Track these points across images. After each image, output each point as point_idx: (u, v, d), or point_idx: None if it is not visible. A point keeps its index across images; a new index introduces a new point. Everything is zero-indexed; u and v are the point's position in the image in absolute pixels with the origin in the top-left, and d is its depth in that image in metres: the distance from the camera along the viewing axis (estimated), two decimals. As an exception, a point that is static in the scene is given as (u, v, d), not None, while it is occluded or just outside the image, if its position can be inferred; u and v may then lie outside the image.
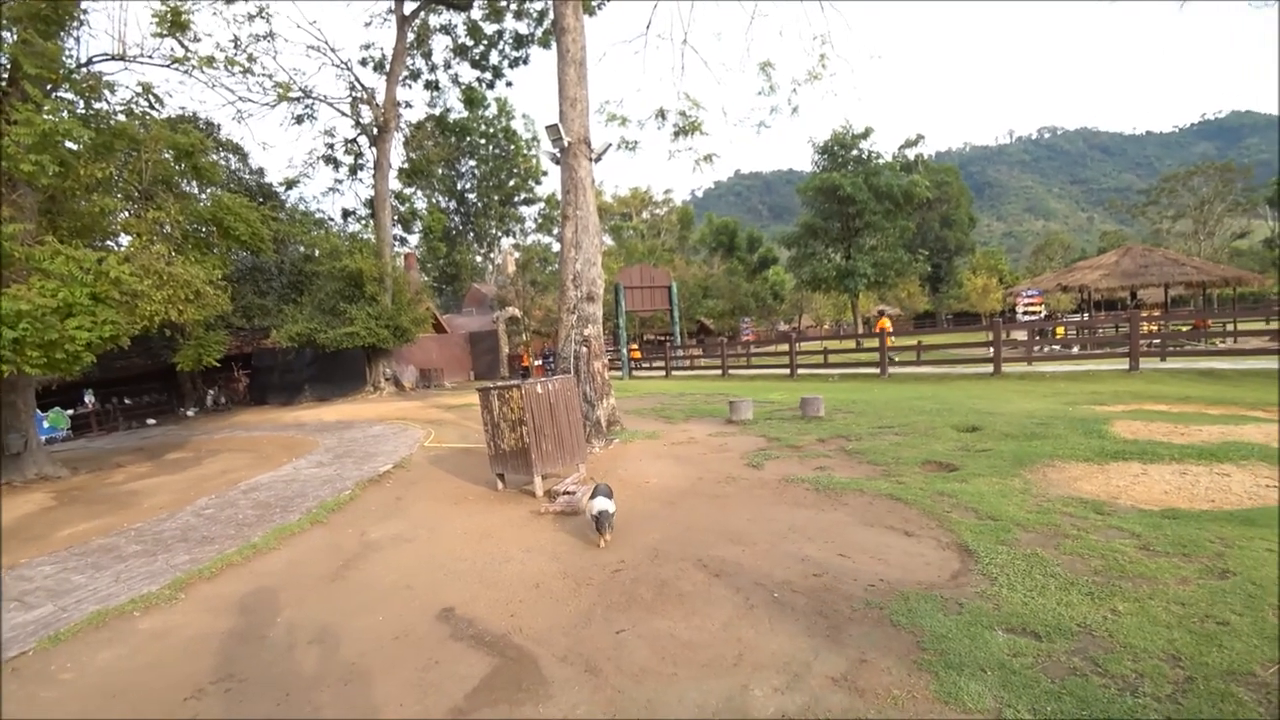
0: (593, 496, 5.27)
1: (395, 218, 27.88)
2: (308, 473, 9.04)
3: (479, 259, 43.49)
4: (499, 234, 42.89)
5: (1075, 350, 18.18)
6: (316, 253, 22.66)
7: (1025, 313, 22.80)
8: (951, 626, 3.38)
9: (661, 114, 12.45)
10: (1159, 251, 22.74)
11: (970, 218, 57.57)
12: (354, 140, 23.97)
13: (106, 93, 11.32)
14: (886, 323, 22.15)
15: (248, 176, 24.94)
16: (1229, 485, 5.27)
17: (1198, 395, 9.81)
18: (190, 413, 21.97)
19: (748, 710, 2.86)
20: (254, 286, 23.06)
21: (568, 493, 6.34)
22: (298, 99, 21.16)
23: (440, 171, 35.69)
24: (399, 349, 22.47)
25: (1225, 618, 3.21)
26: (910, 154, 40.30)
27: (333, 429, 13.47)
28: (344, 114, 22.20)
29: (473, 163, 40.35)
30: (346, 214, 28.80)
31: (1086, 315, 26.45)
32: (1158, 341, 15.68)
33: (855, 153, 37.11)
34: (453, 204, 41.88)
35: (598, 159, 9.90)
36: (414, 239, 37.74)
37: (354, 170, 25.21)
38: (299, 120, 22.41)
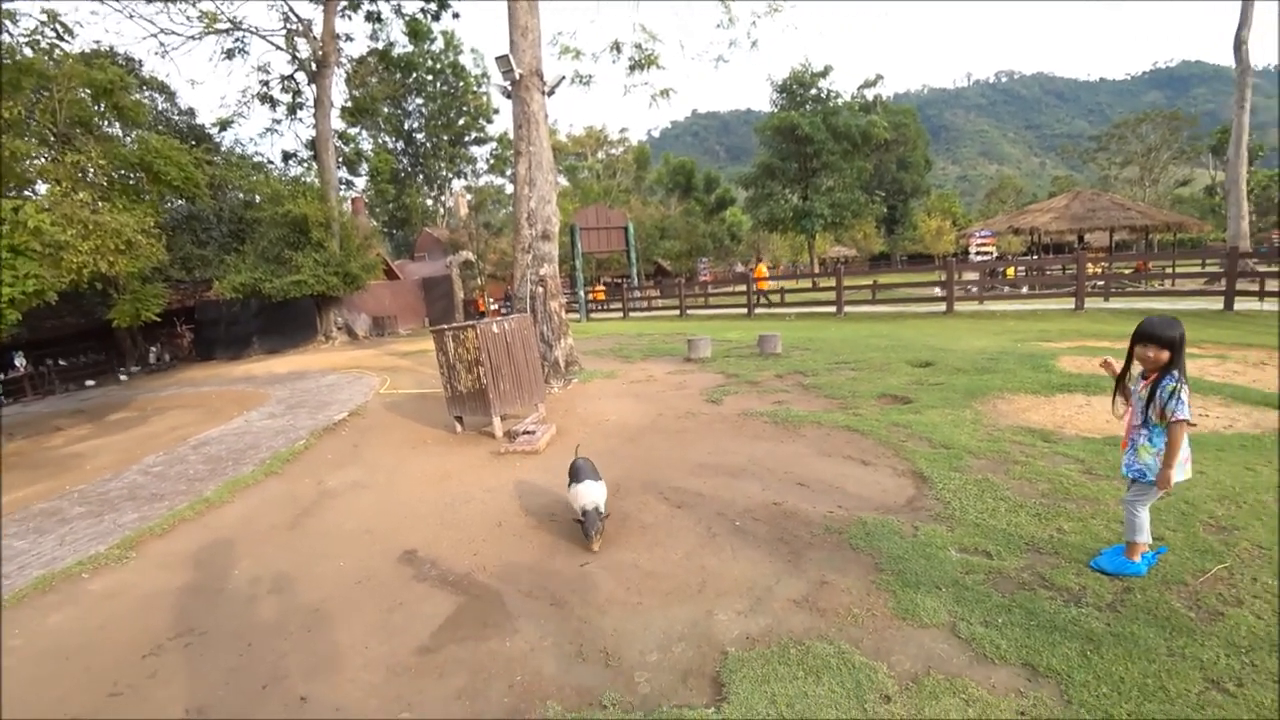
0: (575, 479, 4.02)
1: (339, 159, 26.51)
2: (260, 425, 8.79)
3: (430, 202, 42.00)
4: (450, 175, 41.36)
5: (1025, 290, 18.68)
6: (257, 198, 21.55)
7: (978, 254, 23.29)
8: (908, 548, 3.50)
9: (616, 46, 11.97)
10: (1106, 196, 23.32)
11: (926, 160, 57.89)
12: (291, 77, 22.55)
13: (8, 24, 10.34)
14: (762, 269, 22.77)
15: (177, 117, 23.35)
16: (1165, 414, 5.52)
17: (1138, 331, 10.18)
18: (126, 373, 20.96)
19: (713, 634, 2.92)
20: (192, 236, 21.87)
21: (527, 432, 6.32)
22: (226, 31, 19.72)
23: (386, 110, 33.95)
24: (350, 297, 21.81)
25: (1161, 534, 3.40)
26: (869, 94, 39.95)
27: (284, 380, 13.08)
28: (279, 48, 20.80)
29: (420, 101, 38.50)
30: (287, 156, 27.37)
31: (1036, 257, 27.13)
32: (1102, 283, 16.26)
33: (814, 92, 36.58)
34: (400, 145, 40.07)
35: (551, 92, 9.53)
36: (360, 182, 36.14)
37: (293, 110, 23.81)
38: (229, 55, 20.92)
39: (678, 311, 21.98)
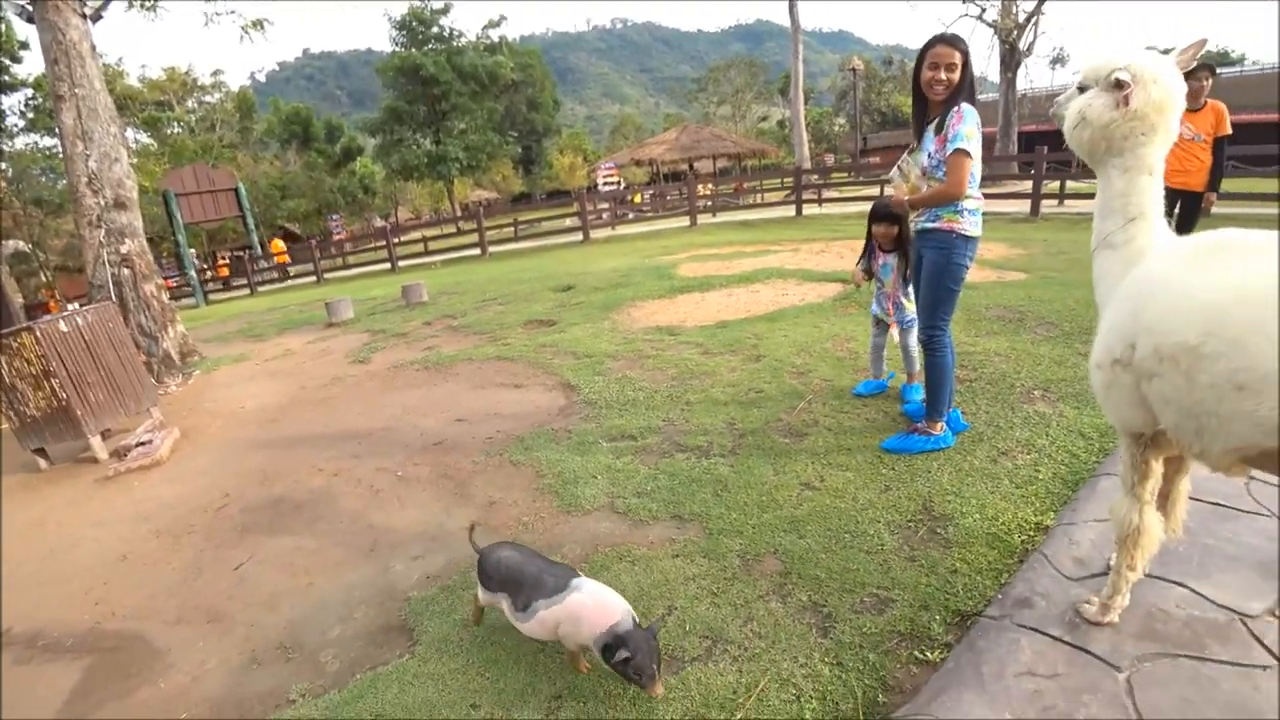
0: (540, 586, 2.15)
1: None
2: None
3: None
4: (-36, 139, 30.21)
5: (649, 214, 21.33)
6: None
7: (605, 184, 25.68)
8: (563, 451, 3.89)
9: (186, -35, 9.93)
10: (708, 130, 27.58)
11: (555, 101, 60.39)
12: None
13: None
14: (278, 245, 24.33)
15: None
16: (759, 298, 7.03)
17: (738, 239, 12.59)
18: None
19: (394, 586, 2.91)
20: None
21: (142, 444, 5.26)
22: None
23: None
24: None
25: (761, 388, 4.37)
26: (494, 35, 40.01)
27: None
28: None
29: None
30: None
31: (656, 184, 30.86)
32: (710, 202, 19.46)
33: (435, 30, 35.37)
34: None
35: (96, 17, 7.56)
36: None
37: None
38: None
39: (314, 278, 20.08)
